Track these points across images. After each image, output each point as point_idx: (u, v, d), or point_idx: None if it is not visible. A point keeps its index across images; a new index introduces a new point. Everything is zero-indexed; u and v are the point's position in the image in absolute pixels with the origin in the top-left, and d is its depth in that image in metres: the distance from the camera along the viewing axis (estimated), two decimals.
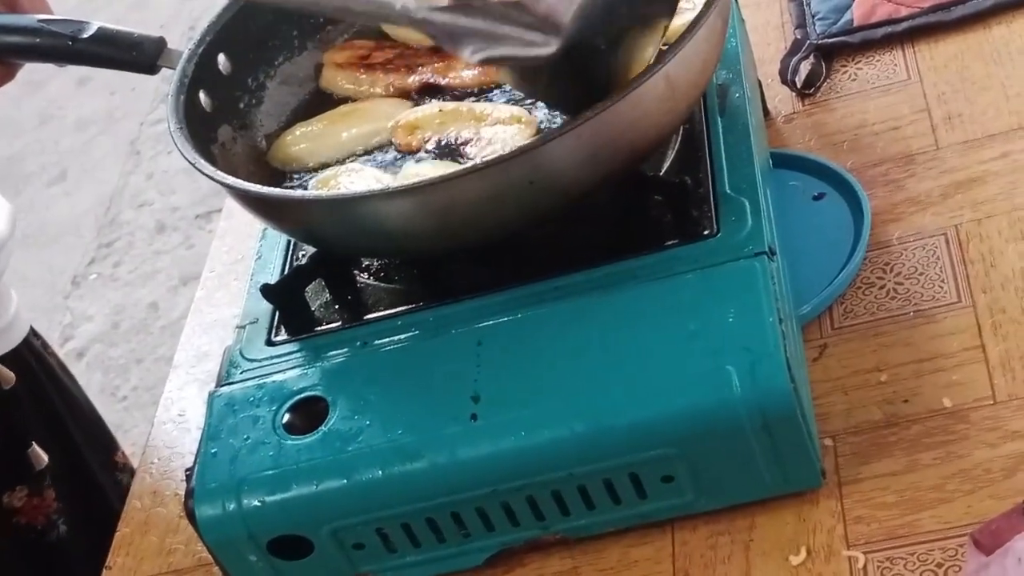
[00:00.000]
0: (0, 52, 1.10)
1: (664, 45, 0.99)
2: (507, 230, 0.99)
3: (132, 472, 1.37)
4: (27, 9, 1.11)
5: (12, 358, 1.27)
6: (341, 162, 1.12)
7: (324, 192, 1.06)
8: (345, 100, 1.18)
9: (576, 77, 0.98)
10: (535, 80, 1.01)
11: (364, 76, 1.18)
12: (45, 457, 1.32)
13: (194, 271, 3.07)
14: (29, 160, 3.54)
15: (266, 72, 1.19)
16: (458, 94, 1.16)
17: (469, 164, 0.98)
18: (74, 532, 1.36)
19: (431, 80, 1.18)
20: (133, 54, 1.10)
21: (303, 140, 1.14)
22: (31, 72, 1.17)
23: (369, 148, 1.14)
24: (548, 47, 0.93)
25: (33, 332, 1.33)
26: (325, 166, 1.12)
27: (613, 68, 0.98)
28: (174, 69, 1.10)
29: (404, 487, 0.92)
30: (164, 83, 3.64)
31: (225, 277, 1.31)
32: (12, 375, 1.26)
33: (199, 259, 3.09)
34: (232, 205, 1.36)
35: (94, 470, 1.40)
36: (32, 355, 1.32)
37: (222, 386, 1.00)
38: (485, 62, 0.93)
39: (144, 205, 3.39)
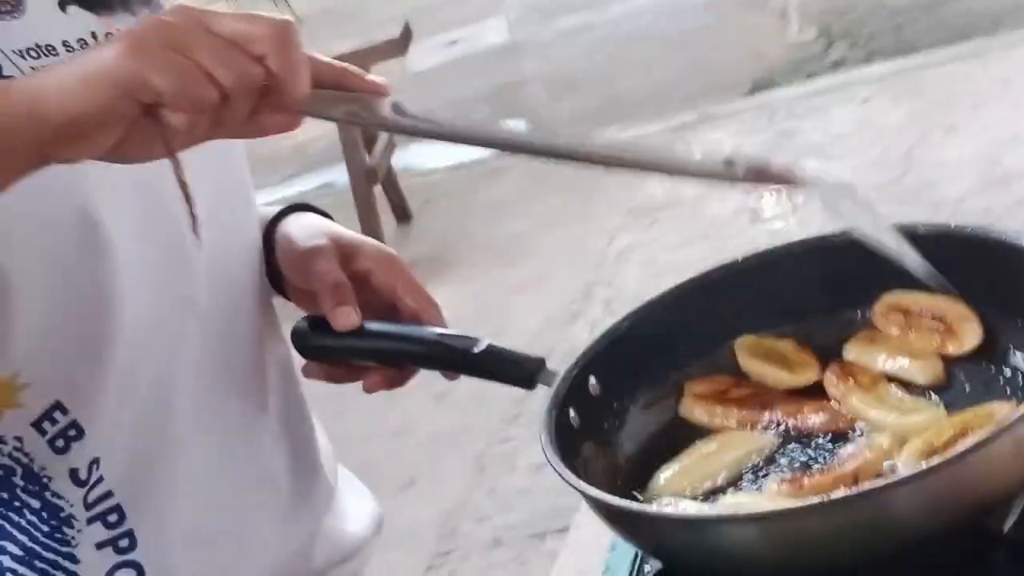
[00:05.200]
0: (404, 359, 1.22)
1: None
2: (846, 567, 1.03)
3: None
4: (427, 322, 1.24)
5: None
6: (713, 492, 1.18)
7: (675, 511, 1.13)
8: (700, 428, 1.26)
9: None
10: None
11: (720, 409, 1.26)
12: None
13: None
14: (383, 467, 3.74)
15: (631, 397, 1.28)
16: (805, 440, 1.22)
17: (814, 500, 1.03)
18: None
19: (781, 420, 1.24)
20: (516, 370, 1.21)
21: (677, 479, 1.20)
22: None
23: (733, 478, 1.19)
24: None
25: None
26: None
27: None
28: (550, 387, 1.20)
29: None
30: (514, 404, 3.85)
31: None
32: None
33: None
34: (581, 520, 1.44)
35: None
36: None
37: None
38: None
39: (483, 519, 3.52)
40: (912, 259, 0.97)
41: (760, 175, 0.93)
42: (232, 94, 0.91)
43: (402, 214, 5.46)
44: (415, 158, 5.90)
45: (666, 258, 4.29)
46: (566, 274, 4.56)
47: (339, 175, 5.47)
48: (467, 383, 1.27)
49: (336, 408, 3.25)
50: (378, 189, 5.24)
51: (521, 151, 0.99)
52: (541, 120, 6.03)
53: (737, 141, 5.04)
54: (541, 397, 1.20)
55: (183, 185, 0.97)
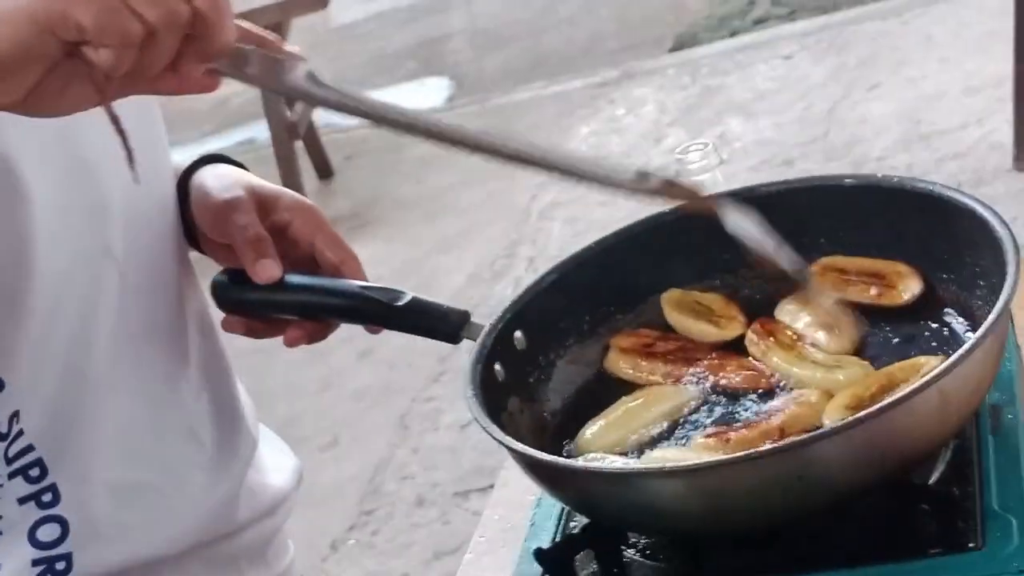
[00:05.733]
0: (324, 312, 1.20)
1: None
2: (772, 520, 1.03)
3: None
4: (347, 274, 1.22)
5: None
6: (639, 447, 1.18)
7: (603, 464, 1.12)
8: (625, 383, 1.25)
9: None
10: None
11: (645, 363, 1.25)
12: None
13: (447, 547, 3.14)
14: (306, 424, 3.72)
15: (557, 351, 1.27)
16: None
17: (742, 452, 1.02)
18: None
19: (704, 376, 1.23)
20: (440, 323, 1.19)
21: (603, 434, 1.19)
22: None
23: (659, 433, 1.19)
24: None
25: None
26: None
27: None
28: (475, 341, 1.19)
29: None
30: (439, 363, 3.83)
31: (494, 543, 1.36)
32: None
33: (454, 535, 3.17)
34: (507, 476, 1.43)
35: None
36: None
37: None
38: None
39: (407, 478, 3.50)
40: (790, 259, 1.07)
41: (670, 189, 1.01)
42: (158, 31, 0.89)
43: (324, 170, 5.41)
44: (337, 114, 5.82)
45: (590, 215, 4.28)
46: (490, 231, 4.54)
47: (260, 131, 5.40)
48: (391, 341, 1.26)
49: (259, 364, 3.22)
50: (300, 145, 5.19)
51: (432, 137, 1.03)
52: (466, 76, 5.99)
53: (661, 97, 5.03)
54: (465, 355, 1.19)
55: (115, 120, 0.95)
